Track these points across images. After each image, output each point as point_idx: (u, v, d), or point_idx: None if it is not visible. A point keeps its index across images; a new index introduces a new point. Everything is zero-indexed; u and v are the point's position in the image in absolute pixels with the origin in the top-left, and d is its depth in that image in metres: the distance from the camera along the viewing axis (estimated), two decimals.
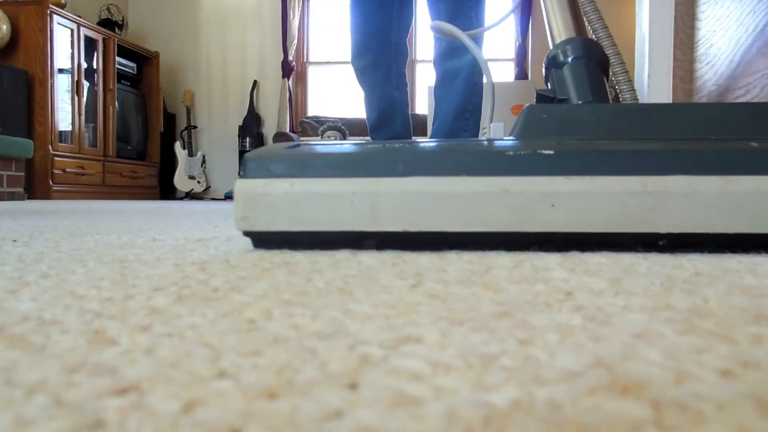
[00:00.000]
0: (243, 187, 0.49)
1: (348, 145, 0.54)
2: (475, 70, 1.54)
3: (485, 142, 0.53)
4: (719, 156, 0.46)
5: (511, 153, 0.48)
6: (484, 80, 1.56)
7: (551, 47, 0.76)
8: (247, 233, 0.50)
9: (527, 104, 0.60)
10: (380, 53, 1.76)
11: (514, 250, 0.48)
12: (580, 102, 0.66)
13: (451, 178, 0.47)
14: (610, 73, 0.81)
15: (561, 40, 0.75)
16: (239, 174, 0.50)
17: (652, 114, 0.55)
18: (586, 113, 0.57)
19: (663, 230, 0.46)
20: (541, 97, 0.73)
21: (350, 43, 1.78)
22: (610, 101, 0.70)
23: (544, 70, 0.77)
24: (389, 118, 1.79)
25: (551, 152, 0.47)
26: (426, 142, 0.56)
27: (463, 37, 0.97)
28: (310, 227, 0.48)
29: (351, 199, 0.47)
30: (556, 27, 0.79)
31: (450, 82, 1.60)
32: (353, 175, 0.48)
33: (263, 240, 0.51)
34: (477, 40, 1.45)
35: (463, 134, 1.54)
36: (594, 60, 0.71)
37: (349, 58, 1.81)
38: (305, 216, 0.48)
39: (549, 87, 0.74)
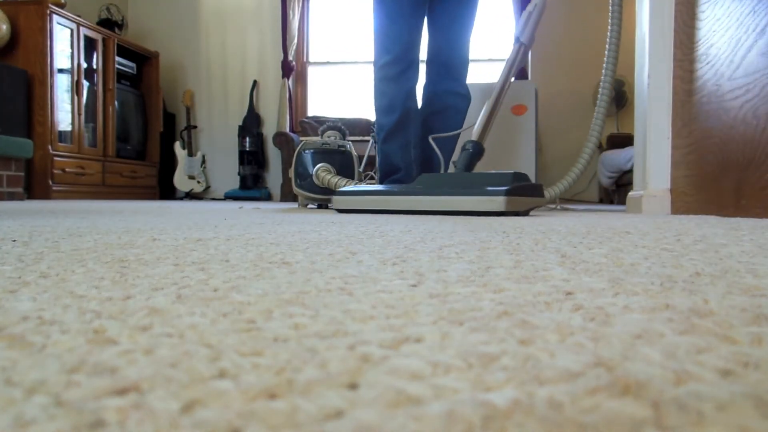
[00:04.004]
0: (336, 198, 1.67)
1: (363, 186, 1.81)
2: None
3: (416, 187, 1.58)
4: (454, 190, 1.47)
5: (417, 188, 1.55)
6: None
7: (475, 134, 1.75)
8: (338, 209, 1.67)
9: (424, 174, 1.66)
10: (411, 64, 1.90)
11: (426, 214, 1.47)
12: (460, 169, 1.70)
13: (403, 196, 1.55)
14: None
15: (471, 140, 1.72)
16: (335, 192, 1.71)
17: (461, 177, 1.58)
18: (457, 176, 1.60)
19: (447, 209, 1.48)
20: (453, 164, 1.74)
21: (386, 49, 1.96)
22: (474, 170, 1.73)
23: (460, 150, 1.74)
24: (405, 125, 1.91)
25: (421, 188, 1.54)
26: (387, 187, 1.71)
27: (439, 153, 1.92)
28: (356, 207, 1.63)
29: (367, 200, 1.62)
30: (475, 128, 1.73)
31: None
32: (367, 195, 1.62)
33: (341, 211, 1.64)
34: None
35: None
36: (478, 155, 1.71)
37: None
38: (355, 204, 1.63)
39: (459, 158, 1.72)
